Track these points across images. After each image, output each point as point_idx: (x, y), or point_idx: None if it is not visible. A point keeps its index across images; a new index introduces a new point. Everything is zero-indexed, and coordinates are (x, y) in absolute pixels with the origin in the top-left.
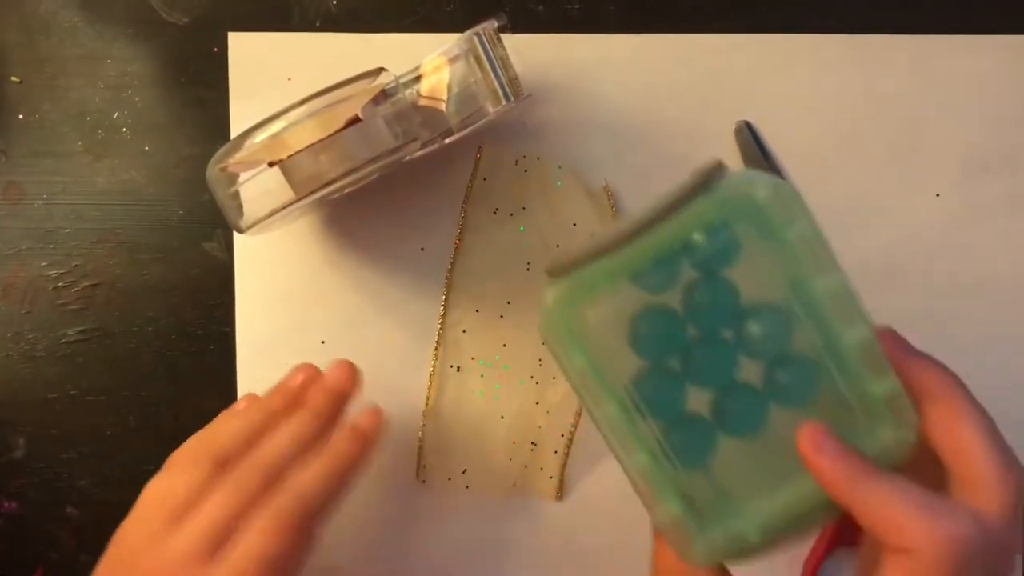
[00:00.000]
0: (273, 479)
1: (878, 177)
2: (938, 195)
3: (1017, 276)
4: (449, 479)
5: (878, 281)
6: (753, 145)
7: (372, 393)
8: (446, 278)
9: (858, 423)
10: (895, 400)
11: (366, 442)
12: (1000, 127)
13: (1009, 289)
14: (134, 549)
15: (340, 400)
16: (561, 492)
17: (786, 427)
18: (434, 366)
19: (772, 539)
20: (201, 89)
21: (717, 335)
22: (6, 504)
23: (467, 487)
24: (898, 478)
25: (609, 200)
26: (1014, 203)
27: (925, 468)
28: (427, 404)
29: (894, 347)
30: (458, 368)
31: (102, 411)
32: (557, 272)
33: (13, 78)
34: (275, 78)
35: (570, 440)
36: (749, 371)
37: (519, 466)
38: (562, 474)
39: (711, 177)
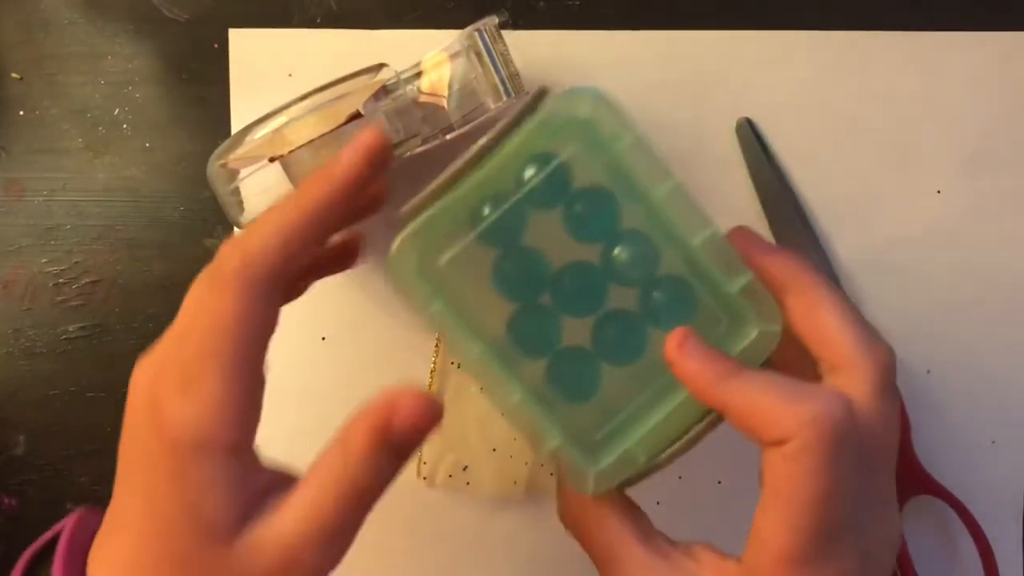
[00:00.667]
0: None
1: (878, 174)
2: (939, 192)
3: (1019, 272)
4: (450, 476)
5: (878, 278)
6: (754, 142)
7: (373, 390)
8: None
9: (727, 330)
10: (753, 294)
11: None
12: (1001, 123)
13: (1011, 286)
14: None
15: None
16: None
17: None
18: (435, 363)
19: (658, 456)
20: (202, 85)
21: (586, 264)
22: (6, 501)
23: (468, 483)
24: (763, 372)
25: None
26: (1016, 199)
27: (802, 370)
28: None
29: (746, 245)
30: (459, 365)
31: (102, 408)
32: (403, 218)
33: (13, 75)
34: (276, 74)
35: None
36: (624, 299)
37: (520, 463)
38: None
39: (536, 101)
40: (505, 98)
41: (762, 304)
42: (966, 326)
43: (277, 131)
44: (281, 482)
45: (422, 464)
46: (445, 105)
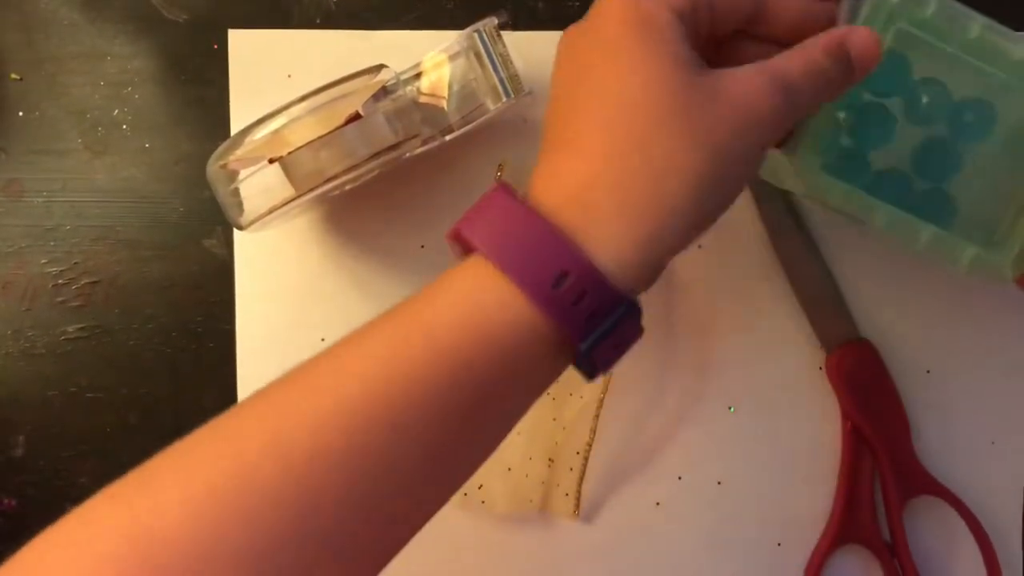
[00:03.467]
0: None
1: None
2: None
3: None
4: (465, 494)
5: (878, 279)
6: None
7: None
8: None
9: None
10: None
11: None
12: None
13: (1011, 285)
14: None
15: None
16: (578, 509)
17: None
18: None
19: None
20: (201, 86)
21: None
22: (6, 502)
23: (483, 502)
24: None
25: None
26: None
27: None
28: None
29: None
30: None
31: (102, 408)
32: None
33: (13, 75)
34: (275, 75)
35: (586, 458)
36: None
37: (536, 482)
38: (578, 491)
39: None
40: (504, 99)
41: None
42: (966, 326)
43: (276, 132)
44: None
45: None
46: (445, 106)
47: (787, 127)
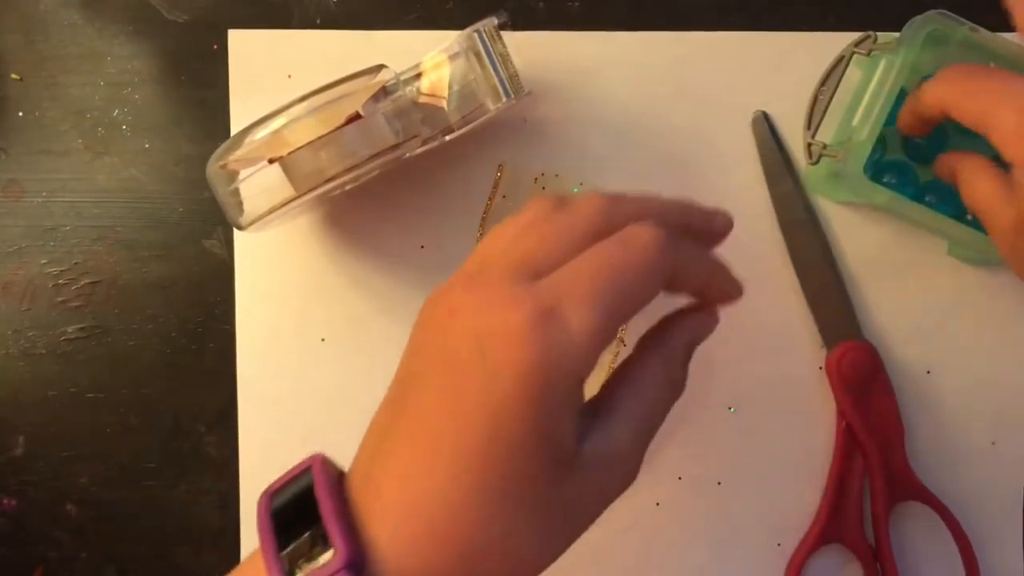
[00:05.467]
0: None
1: None
2: None
3: None
4: None
5: (881, 277)
6: (769, 136)
7: (374, 395)
8: None
9: None
10: None
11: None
12: None
13: (1013, 284)
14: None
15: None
16: None
17: None
18: None
19: None
20: (201, 87)
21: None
22: (6, 502)
23: None
24: None
25: None
26: None
27: None
28: None
29: None
30: None
31: (102, 409)
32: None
33: (13, 76)
34: (275, 76)
35: None
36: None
37: None
38: None
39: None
40: (504, 99)
41: None
42: (967, 327)
43: (276, 132)
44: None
45: None
46: (445, 106)
47: None
